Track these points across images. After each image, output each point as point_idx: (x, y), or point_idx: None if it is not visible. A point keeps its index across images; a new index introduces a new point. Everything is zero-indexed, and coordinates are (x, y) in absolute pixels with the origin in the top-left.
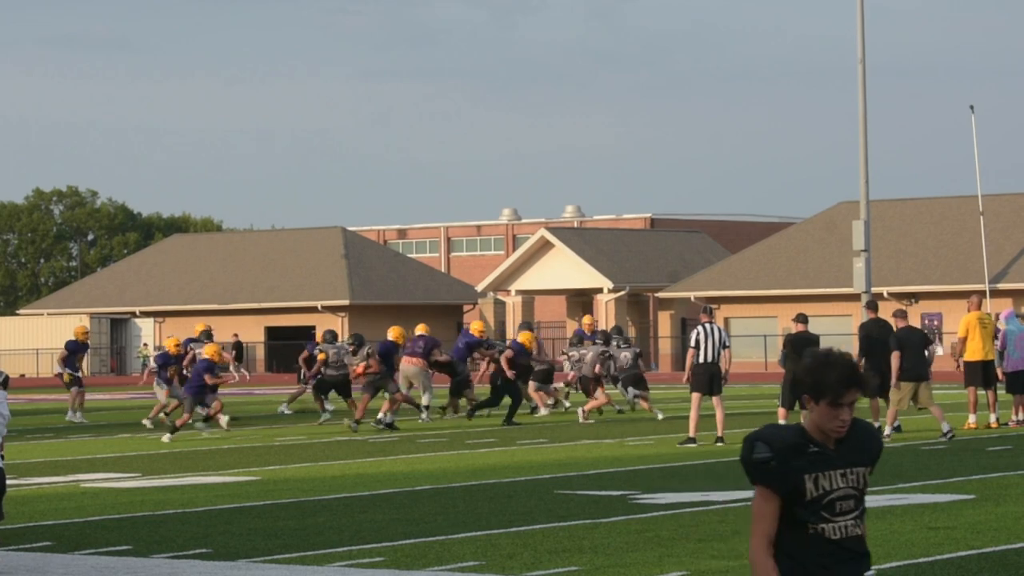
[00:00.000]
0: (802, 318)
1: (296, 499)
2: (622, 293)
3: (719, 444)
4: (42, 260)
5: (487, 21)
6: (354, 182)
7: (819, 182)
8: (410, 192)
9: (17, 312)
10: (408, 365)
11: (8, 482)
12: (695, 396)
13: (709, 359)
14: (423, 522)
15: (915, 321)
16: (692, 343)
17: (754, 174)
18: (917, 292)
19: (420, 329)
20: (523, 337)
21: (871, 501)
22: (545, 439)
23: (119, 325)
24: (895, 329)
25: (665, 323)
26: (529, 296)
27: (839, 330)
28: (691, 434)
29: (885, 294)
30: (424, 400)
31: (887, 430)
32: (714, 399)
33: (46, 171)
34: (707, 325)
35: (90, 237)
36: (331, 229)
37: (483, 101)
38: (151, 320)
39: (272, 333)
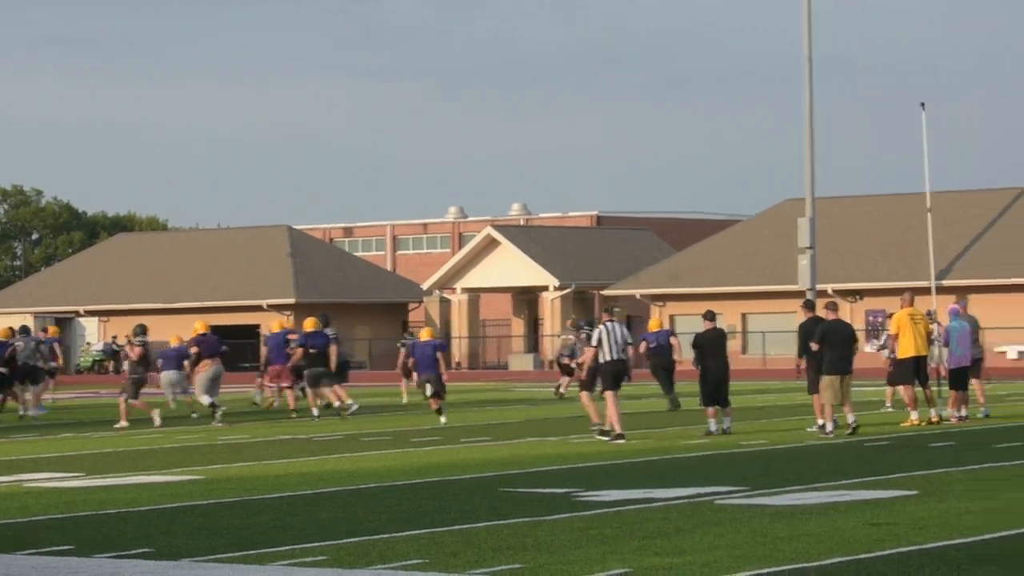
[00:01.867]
0: (710, 315)
1: (239, 498)
2: (568, 291)
3: (620, 441)
4: None
5: (431, 19)
6: (299, 180)
7: (766, 179)
8: (356, 190)
9: None
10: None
11: None
12: (609, 394)
13: (613, 357)
14: (367, 520)
15: (859, 318)
16: (594, 341)
17: (700, 171)
18: (862, 289)
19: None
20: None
21: (813, 497)
22: (489, 437)
23: (63, 324)
24: (824, 321)
25: None
26: (475, 294)
27: (784, 327)
28: (595, 421)
29: (830, 291)
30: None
31: (829, 426)
32: (609, 394)
33: None
34: (609, 324)
35: (34, 236)
36: (277, 228)
37: (428, 99)
38: (95, 319)
39: (217, 332)
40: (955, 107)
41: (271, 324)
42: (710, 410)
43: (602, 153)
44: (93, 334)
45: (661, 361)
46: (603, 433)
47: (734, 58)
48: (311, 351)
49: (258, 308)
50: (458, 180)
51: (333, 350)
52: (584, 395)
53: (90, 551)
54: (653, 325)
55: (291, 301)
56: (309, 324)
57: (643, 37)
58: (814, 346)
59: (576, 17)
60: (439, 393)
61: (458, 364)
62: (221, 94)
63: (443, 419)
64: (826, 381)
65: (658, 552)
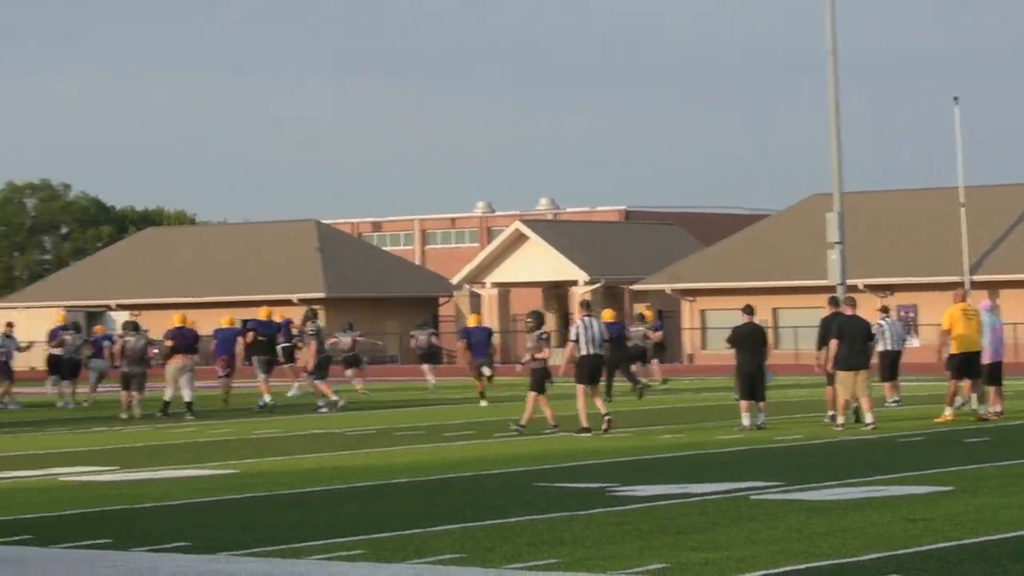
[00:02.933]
0: (749, 310)
1: (273, 492)
2: (597, 285)
3: (586, 434)
4: (15, 253)
5: (460, 12)
6: (327, 175)
7: (794, 174)
8: (384, 185)
9: None
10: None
11: None
12: (580, 387)
13: (591, 351)
14: (401, 515)
15: (891, 313)
16: (572, 337)
17: (728, 166)
18: (893, 284)
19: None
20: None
21: (849, 493)
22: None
23: (94, 318)
24: (840, 317)
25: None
26: (504, 288)
27: (815, 322)
28: (584, 424)
29: (861, 286)
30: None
31: (840, 419)
32: (581, 388)
33: (19, 164)
34: (586, 319)
35: (64, 230)
36: (305, 222)
37: (458, 94)
38: (126, 313)
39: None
40: (987, 100)
41: (221, 320)
42: (744, 404)
43: (630, 148)
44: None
45: (614, 354)
46: (519, 429)
47: (761, 52)
48: (260, 338)
49: (288, 303)
50: (486, 174)
51: (311, 345)
52: (531, 395)
53: (127, 545)
54: (606, 316)
55: (321, 295)
56: (263, 313)
57: (670, 31)
58: (832, 342)
59: (604, 11)
60: (492, 376)
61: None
62: (249, 89)
63: (484, 403)
64: (840, 376)
65: (695, 547)
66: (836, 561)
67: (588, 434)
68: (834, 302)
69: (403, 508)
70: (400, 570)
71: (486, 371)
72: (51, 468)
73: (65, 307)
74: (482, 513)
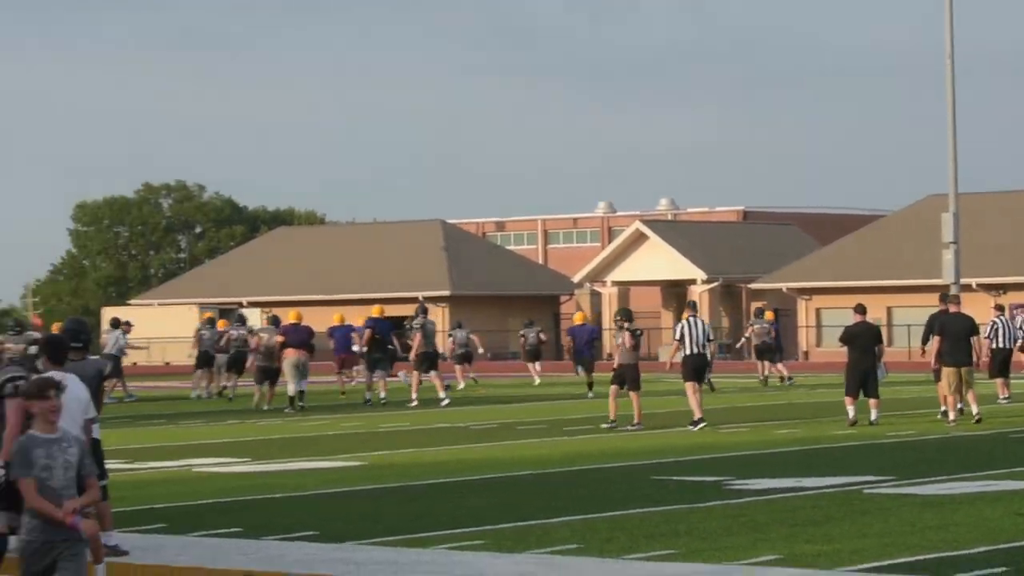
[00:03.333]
0: (861, 309)
1: (400, 484)
2: (715, 284)
3: (702, 425)
4: (152, 252)
5: (583, 20)
6: (453, 176)
7: (908, 175)
8: (507, 185)
9: (128, 303)
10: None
11: (122, 466)
12: (689, 384)
13: (695, 351)
14: (522, 506)
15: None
16: (677, 336)
17: (844, 168)
18: (1006, 283)
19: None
20: None
21: (960, 487)
22: (641, 425)
23: (227, 316)
24: (944, 315)
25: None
26: (625, 287)
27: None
28: (697, 415)
29: (974, 285)
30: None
31: (951, 415)
32: (689, 385)
33: (155, 166)
34: (691, 319)
35: (198, 230)
36: (431, 222)
37: (579, 97)
38: (258, 310)
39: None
40: None
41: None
42: (849, 399)
43: (748, 149)
44: (256, 324)
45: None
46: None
47: (878, 55)
48: (376, 336)
49: (414, 300)
50: (607, 175)
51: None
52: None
53: (257, 533)
54: (578, 319)
55: (446, 293)
56: (376, 311)
57: (788, 35)
58: (935, 339)
59: (719, 15)
60: (590, 372)
61: (609, 355)
62: (376, 93)
63: (591, 393)
64: (944, 372)
65: (808, 540)
66: (946, 554)
67: (704, 424)
68: (944, 299)
69: (525, 500)
70: (521, 560)
71: (585, 366)
72: (186, 459)
73: (198, 304)
74: (601, 505)
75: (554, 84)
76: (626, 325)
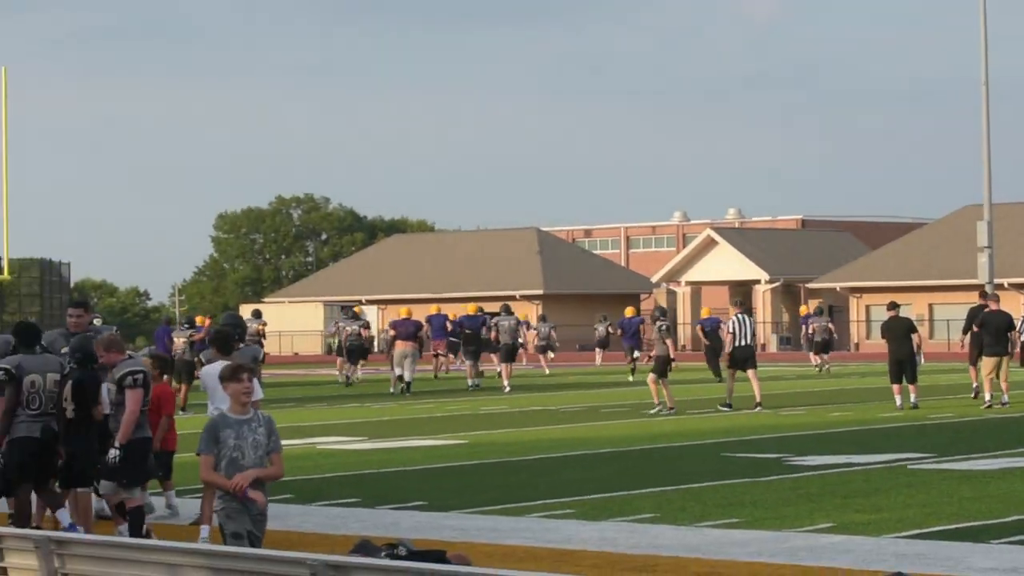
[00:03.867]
0: (893, 305)
1: (499, 460)
2: (777, 284)
3: (758, 408)
4: (283, 256)
5: (659, 47)
6: (547, 188)
7: (948, 187)
8: (594, 197)
9: (262, 300)
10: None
11: None
12: (730, 371)
13: (743, 343)
14: (606, 479)
15: None
16: (729, 330)
17: (891, 180)
18: None
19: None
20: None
21: (995, 463)
22: (710, 409)
23: (348, 312)
24: (984, 311)
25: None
26: (696, 286)
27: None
28: (728, 400)
29: (1006, 284)
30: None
31: (987, 396)
32: (749, 372)
33: (286, 180)
34: (740, 316)
35: (323, 237)
36: (527, 229)
37: (658, 118)
38: (375, 307)
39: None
40: None
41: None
42: (896, 387)
43: (806, 164)
44: (373, 320)
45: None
46: (725, 406)
47: (921, 82)
48: (467, 331)
49: (511, 298)
50: (682, 188)
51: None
52: (651, 377)
53: (373, 503)
54: (628, 312)
55: (540, 292)
56: (471, 309)
57: (842, 63)
58: (974, 328)
59: (780, 45)
60: (636, 359)
61: (683, 347)
62: (479, 118)
63: (631, 377)
64: (985, 361)
65: (858, 509)
66: (982, 523)
67: (729, 409)
68: (984, 295)
69: (609, 474)
70: (605, 527)
71: (636, 353)
72: (311, 438)
73: (323, 302)
74: (676, 479)
75: (636, 107)
76: (659, 321)
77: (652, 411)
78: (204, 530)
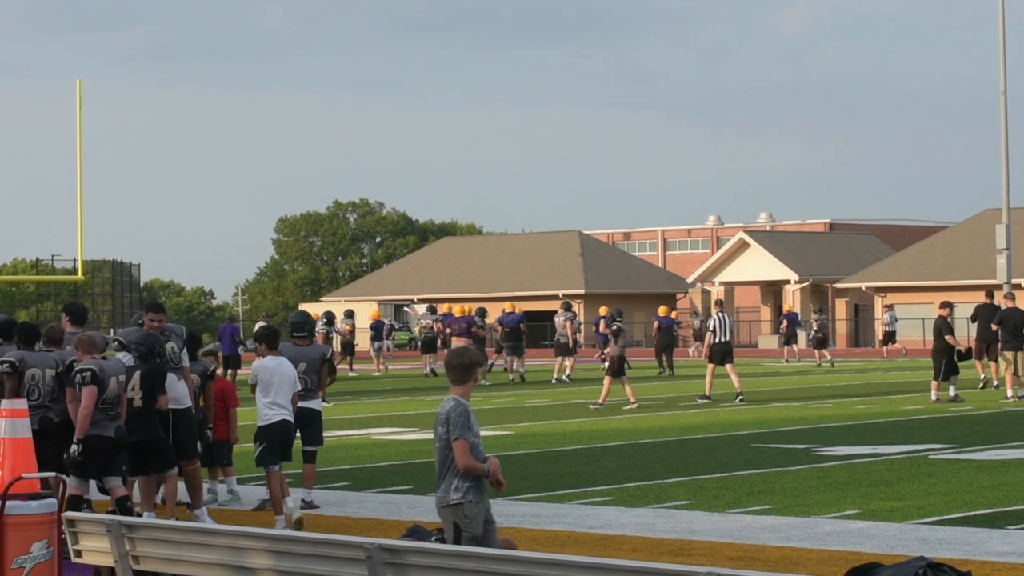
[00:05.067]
0: (946, 304)
1: (542, 449)
2: (806, 284)
3: (739, 400)
4: (340, 258)
5: (696, 61)
6: (589, 192)
7: (968, 192)
8: (633, 201)
9: (320, 300)
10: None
11: None
12: (711, 366)
13: (723, 339)
14: (643, 468)
15: None
16: (711, 327)
17: (914, 185)
18: None
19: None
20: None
21: (1012, 454)
22: (744, 403)
23: (401, 309)
24: (1002, 308)
25: (841, 308)
26: (730, 286)
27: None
28: (707, 393)
29: (1023, 284)
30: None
31: (1009, 392)
32: (728, 367)
33: (343, 185)
34: (720, 315)
35: (378, 239)
36: (569, 232)
37: (693, 127)
38: (425, 306)
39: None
40: None
41: (454, 308)
42: (934, 383)
43: (834, 170)
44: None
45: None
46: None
47: (943, 92)
48: (505, 328)
49: (554, 297)
50: (716, 193)
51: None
52: (607, 379)
53: (424, 491)
54: (662, 311)
55: (581, 292)
56: (508, 307)
57: (867, 74)
58: (994, 327)
59: (808, 59)
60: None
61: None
62: (531, 124)
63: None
64: (1004, 355)
65: (882, 497)
66: (999, 510)
67: (707, 401)
68: (989, 294)
69: (646, 463)
70: (642, 513)
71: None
72: (366, 429)
73: (377, 300)
74: (710, 468)
75: (672, 116)
76: (616, 322)
77: (628, 407)
78: (289, 502)
